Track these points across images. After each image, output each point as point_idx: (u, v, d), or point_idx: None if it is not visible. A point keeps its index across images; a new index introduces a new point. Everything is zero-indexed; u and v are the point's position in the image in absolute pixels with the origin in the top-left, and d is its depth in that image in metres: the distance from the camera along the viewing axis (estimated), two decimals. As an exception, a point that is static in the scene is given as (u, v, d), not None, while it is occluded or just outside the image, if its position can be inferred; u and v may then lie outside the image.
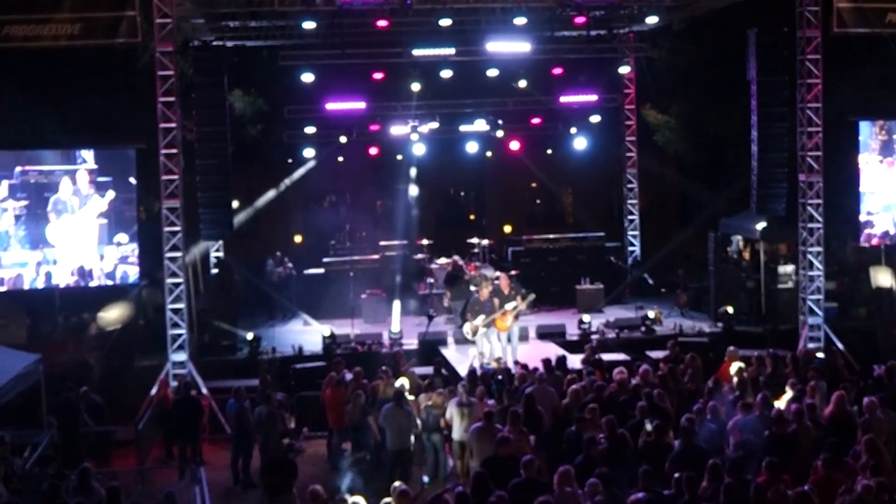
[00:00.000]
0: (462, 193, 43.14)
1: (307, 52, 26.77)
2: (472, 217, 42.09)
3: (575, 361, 21.23)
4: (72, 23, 21.30)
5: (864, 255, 27.07)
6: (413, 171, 35.10)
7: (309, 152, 33.95)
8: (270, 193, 33.63)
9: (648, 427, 14.75)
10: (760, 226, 26.59)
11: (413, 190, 35.46)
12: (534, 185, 41.78)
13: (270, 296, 29.86)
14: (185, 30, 23.89)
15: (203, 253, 28.65)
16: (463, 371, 20.61)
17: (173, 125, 22.02)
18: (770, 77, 23.49)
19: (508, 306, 22.65)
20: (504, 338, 22.85)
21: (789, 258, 27.14)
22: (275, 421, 18.20)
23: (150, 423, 20.07)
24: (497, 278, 24.56)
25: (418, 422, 17.73)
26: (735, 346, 20.40)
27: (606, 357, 21.21)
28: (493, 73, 29.96)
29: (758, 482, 12.20)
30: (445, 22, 24.61)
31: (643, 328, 25.98)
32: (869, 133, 26.15)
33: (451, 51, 27.20)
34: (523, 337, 24.39)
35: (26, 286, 24.03)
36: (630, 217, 33.06)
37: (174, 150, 22.13)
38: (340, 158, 35.62)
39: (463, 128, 34.51)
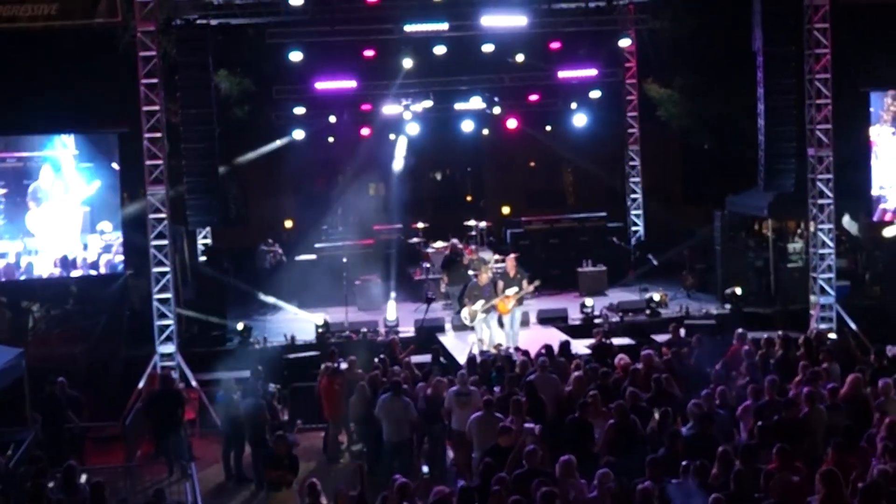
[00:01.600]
0: (458, 174, 43.03)
1: (295, 29, 26.67)
2: (469, 198, 42.02)
3: (579, 346, 21.22)
4: (49, 3, 21.20)
5: (876, 231, 27.00)
6: (401, 144, 34.95)
7: (298, 133, 33.85)
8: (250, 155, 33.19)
9: (656, 414, 14.74)
10: (768, 202, 26.48)
11: (398, 164, 35.31)
12: (532, 164, 41.71)
13: (261, 284, 29.80)
14: (167, 8, 23.68)
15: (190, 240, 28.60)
16: (462, 359, 20.57)
17: (157, 108, 21.92)
18: (777, 48, 23.38)
19: (510, 291, 22.62)
20: (507, 323, 22.84)
21: (798, 236, 27.10)
22: (262, 413, 18.16)
23: (137, 418, 20.01)
24: (499, 261, 24.54)
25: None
26: (744, 327, 20.33)
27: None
28: (488, 48, 29.80)
29: (768, 468, 12.19)
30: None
31: (648, 311, 25.97)
32: (881, 104, 26.01)
33: (445, 26, 27.04)
34: (524, 322, 24.37)
35: (5, 277, 23.95)
36: (633, 196, 33.01)
37: (158, 134, 22.04)
38: (331, 139, 35.54)
39: (458, 106, 34.41)
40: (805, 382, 16.03)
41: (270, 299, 28.41)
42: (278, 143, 33.72)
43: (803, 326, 23.56)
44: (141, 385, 21.24)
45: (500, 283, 22.82)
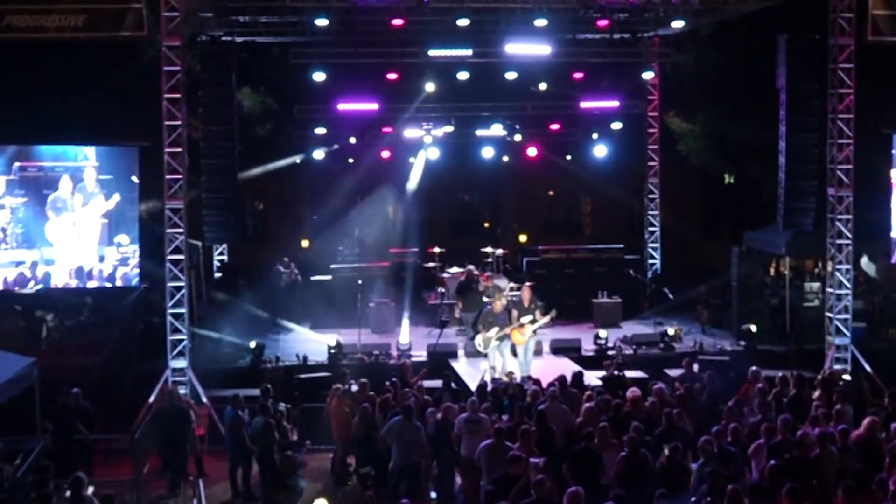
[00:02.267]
0: (476, 200, 43.08)
1: (319, 49, 26.85)
2: (486, 225, 42.05)
3: (591, 378, 21.20)
4: (76, 14, 21.31)
5: (894, 273, 26.95)
6: (419, 164, 35.01)
7: (318, 153, 33.98)
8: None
9: (666, 450, 14.71)
10: (786, 241, 26.44)
11: (412, 183, 35.36)
12: (551, 193, 41.77)
13: (274, 304, 29.84)
14: (193, 24, 23.90)
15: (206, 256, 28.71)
16: (473, 385, 20.57)
17: (179, 123, 21.96)
18: (800, 85, 23.44)
19: (525, 319, 22.63)
20: (520, 352, 22.84)
21: (816, 275, 27.04)
22: (270, 432, 18.16)
23: (146, 432, 20.02)
24: (514, 289, 24.56)
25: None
26: (757, 365, 20.27)
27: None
28: (511, 75, 29.98)
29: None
30: (463, 22, 24.61)
31: (662, 345, 25.91)
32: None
33: (469, 52, 27.22)
34: (537, 351, 24.31)
35: (19, 286, 24.08)
36: (651, 229, 33.00)
37: (179, 149, 22.06)
38: (351, 160, 35.65)
39: (479, 132, 34.53)
40: (817, 423, 15.99)
41: (279, 321, 28.49)
42: (283, 162, 33.69)
43: (818, 366, 23.49)
44: (151, 399, 21.26)
45: (515, 312, 22.83)
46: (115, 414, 21.23)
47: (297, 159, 34.32)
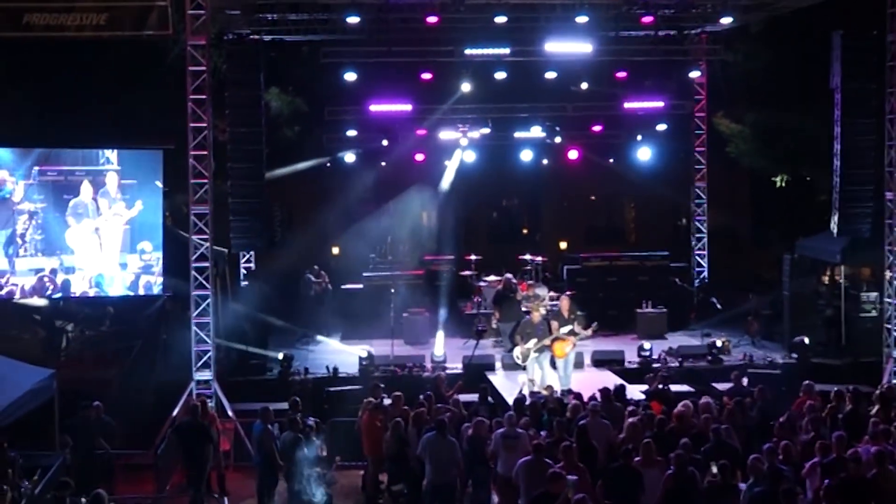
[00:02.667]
0: (515, 205, 43.01)
1: (350, 48, 26.89)
2: (525, 231, 41.97)
3: (634, 391, 21.07)
4: (98, 12, 21.38)
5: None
6: (453, 165, 34.98)
7: (350, 157, 34.02)
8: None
9: (714, 468, 14.57)
10: (842, 248, 26.19)
11: (445, 182, 35.33)
12: (593, 197, 41.64)
13: (304, 313, 29.87)
14: (220, 22, 23.98)
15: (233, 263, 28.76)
16: (511, 399, 20.47)
17: (204, 125, 22.00)
18: (856, 85, 23.26)
19: (564, 330, 22.51)
20: (560, 364, 22.72)
21: (873, 284, 26.77)
22: (299, 447, 18.10)
23: (170, 447, 20.04)
24: (556, 299, 24.45)
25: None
26: (811, 379, 20.07)
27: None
28: (551, 75, 29.90)
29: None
30: (501, 19, 24.64)
31: (709, 357, 25.74)
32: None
33: (506, 50, 27.19)
34: (578, 364, 24.19)
35: (37, 294, 24.16)
36: (698, 235, 32.80)
37: (204, 152, 22.11)
38: (383, 164, 35.65)
39: (517, 134, 34.41)
40: (875, 440, 15.79)
41: (309, 331, 28.54)
42: (310, 162, 33.67)
43: (875, 381, 23.20)
44: (175, 413, 21.29)
45: (555, 324, 22.71)
46: (137, 428, 21.26)
47: (328, 162, 34.36)
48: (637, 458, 15.04)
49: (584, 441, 16.27)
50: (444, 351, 25.81)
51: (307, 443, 18.28)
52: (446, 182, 35.39)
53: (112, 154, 24.50)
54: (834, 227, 24.11)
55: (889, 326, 23.68)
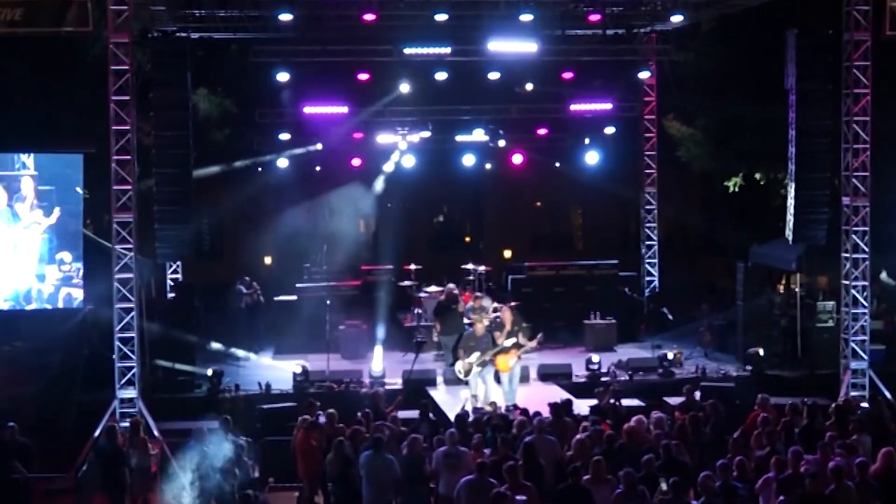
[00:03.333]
0: (457, 212, 43.08)
1: (282, 47, 26.77)
2: (467, 240, 42.05)
3: (582, 406, 21.14)
4: (12, 7, 21.20)
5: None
6: (387, 170, 35.05)
7: (282, 162, 33.92)
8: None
9: (664, 485, 14.66)
10: (797, 255, 26.45)
11: (378, 185, 35.35)
12: (538, 204, 41.84)
13: (234, 327, 29.73)
14: (144, 18, 23.79)
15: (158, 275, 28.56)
16: (453, 415, 20.47)
17: (127, 127, 21.84)
18: (812, 85, 23.47)
19: (508, 343, 22.54)
20: (504, 379, 22.74)
21: (830, 293, 27.05)
22: (231, 468, 17.98)
23: (91, 471, 19.83)
24: (496, 311, 24.51)
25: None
26: (766, 392, 20.23)
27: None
28: (494, 76, 29.93)
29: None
30: (441, 17, 24.66)
31: (660, 370, 25.88)
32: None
33: (447, 50, 27.18)
34: (523, 378, 24.24)
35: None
36: (648, 243, 32.96)
37: (128, 157, 21.95)
38: (318, 169, 35.58)
39: (459, 138, 34.53)
40: (832, 455, 15.95)
41: (239, 345, 28.43)
42: (240, 163, 33.50)
43: (832, 393, 23.46)
44: (97, 433, 21.08)
45: (498, 336, 22.73)
46: (56, 450, 21.03)
47: (259, 167, 34.25)
48: (586, 477, 15.09)
49: (530, 459, 16.30)
50: (383, 365, 25.75)
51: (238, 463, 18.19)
52: (378, 185, 35.36)
53: (28, 158, 24.22)
54: (789, 233, 24.30)
55: (846, 337, 23.94)
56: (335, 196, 35.26)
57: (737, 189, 31.48)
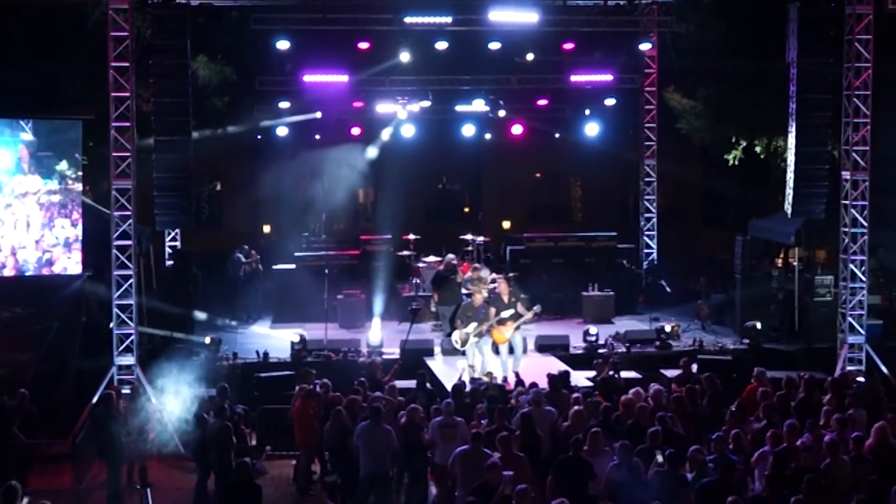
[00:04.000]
0: (456, 183, 43.07)
1: (283, 14, 26.66)
2: (466, 210, 42.04)
3: (579, 378, 21.19)
4: (11, -27, 21.15)
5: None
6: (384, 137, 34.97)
7: (282, 130, 33.88)
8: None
9: (660, 458, 14.71)
10: (796, 229, 26.42)
11: (371, 152, 35.30)
12: (538, 175, 41.82)
13: (234, 295, 29.77)
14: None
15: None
16: (450, 386, 20.50)
17: (127, 94, 21.83)
18: (813, 59, 23.35)
19: (505, 314, 22.55)
20: (503, 349, 22.74)
21: (828, 267, 27.06)
22: (227, 436, 18.00)
23: (89, 437, 19.87)
24: (494, 282, 24.53)
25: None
26: (763, 366, 20.29)
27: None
28: (494, 46, 29.76)
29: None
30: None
31: (658, 343, 25.89)
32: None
33: (448, 19, 27.07)
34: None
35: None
36: (647, 215, 32.94)
37: (127, 123, 21.94)
38: (318, 137, 35.54)
39: (459, 107, 34.49)
40: (828, 429, 16.01)
41: (238, 313, 28.48)
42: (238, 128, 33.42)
43: (829, 367, 23.54)
44: (95, 400, 21.12)
45: (493, 309, 22.72)
46: (54, 416, 21.08)
47: (258, 135, 34.20)
48: (584, 448, 15.15)
49: (528, 429, 16.36)
50: (381, 335, 25.78)
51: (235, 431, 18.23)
52: (371, 153, 35.29)
53: (26, 124, 24.16)
54: (788, 207, 24.25)
55: (843, 311, 23.98)
56: (334, 164, 35.17)
57: (737, 162, 31.45)
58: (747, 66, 28.01)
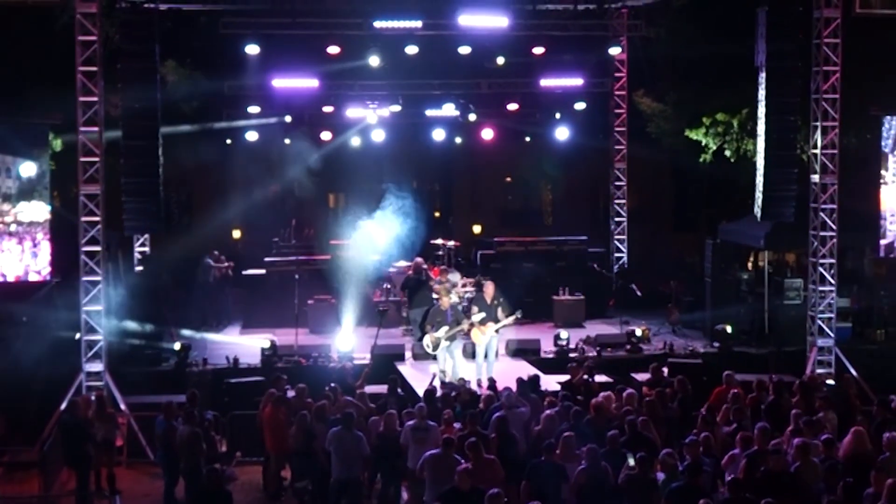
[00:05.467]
0: (426, 187, 43.01)
1: (252, 19, 26.65)
2: (436, 214, 42.00)
3: (550, 382, 21.20)
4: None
5: (883, 269, 27.10)
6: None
7: (252, 135, 33.79)
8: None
9: (631, 461, 14.72)
10: (765, 233, 26.51)
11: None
12: (508, 179, 41.86)
13: (203, 300, 29.65)
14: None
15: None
16: (421, 391, 20.48)
17: (95, 99, 21.76)
18: (781, 63, 23.37)
19: (476, 318, 22.51)
20: (479, 352, 22.70)
21: (797, 270, 27.15)
22: (197, 442, 17.93)
23: (56, 444, 19.75)
24: (465, 286, 24.50)
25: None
26: (733, 369, 20.33)
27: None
28: (465, 50, 29.79)
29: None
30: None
31: (628, 346, 25.93)
32: (893, 129, 26.10)
33: (418, 23, 27.08)
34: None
35: None
36: (617, 219, 33.03)
37: (95, 128, 21.87)
38: (287, 142, 35.47)
39: (429, 112, 34.47)
40: (798, 432, 16.04)
41: (207, 319, 28.38)
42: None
43: (799, 370, 23.60)
44: (63, 406, 20.99)
45: (474, 308, 22.70)
46: (22, 424, 20.96)
47: (227, 140, 34.11)
48: (556, 452, 15.16)
49: (503, 431, 16.40)
50: (352, 339, 25.72)
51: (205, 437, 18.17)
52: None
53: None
54: (758, 210, 24.30)
55: (813, 314, 24.09)
56: (303, 169, 35.06)
57: (706, 162, 31.57)
58: (717, 70, 28.09)
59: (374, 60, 28.94)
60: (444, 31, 27.90)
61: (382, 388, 20.57)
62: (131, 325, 25.03)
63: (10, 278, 23.43)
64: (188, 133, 30.66)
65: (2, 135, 23.71)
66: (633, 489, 14.21)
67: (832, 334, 24.08)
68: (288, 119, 33.79)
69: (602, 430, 16.51)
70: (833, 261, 24.00)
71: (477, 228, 39.69)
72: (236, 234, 37.74)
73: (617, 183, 32.94)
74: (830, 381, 21.68)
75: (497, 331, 22.84)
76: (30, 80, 24.54)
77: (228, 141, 34.53)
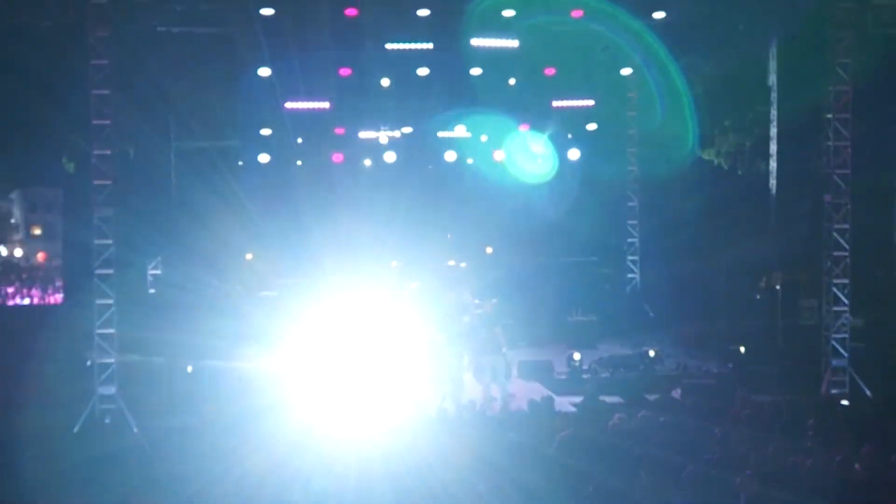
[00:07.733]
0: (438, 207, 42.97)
1: (264, 41, 26.67)
2: (449, 236, 41.94)
3: (563, 403, 21.18)
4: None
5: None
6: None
7: (264, 157, 33.83)
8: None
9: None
10: (779, 252, 26.46)
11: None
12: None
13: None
14: (124, 11, 23.66)
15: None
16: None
17: (108, 122, 21.79)
18: (793, 83, 23.43)
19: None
20: (489, 374, 22.70)
21: (811, 290, 27.11)
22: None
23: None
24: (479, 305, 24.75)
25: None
26: (747, 389, 20.30)
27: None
28: (476, 71, 29.88)
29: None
30: (423, 12, 24.58)
31: (641, 367, 25.89)
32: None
33: (430, 45, 27.13)
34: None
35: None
36: (630, 239, 32.97)
37: (108, 151, 21.92)
38: (299, 162, 35.48)
39: (441, 133, 34.45)
40: (812, 452, 15.99)
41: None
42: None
43: (813, 390, 23.51)
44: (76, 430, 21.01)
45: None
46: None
47: (240, 162, 34.15)
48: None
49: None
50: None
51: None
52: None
53: None
54: (770, 230, 24.31)
55: (827, 335, 23.98)
56: (317, 191, 35.08)
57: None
58: (729, 90, 28.09)
59: (385, 82, 28.99)
60: (456, 53, 27.90)
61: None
62: (143, 347, 25.03)
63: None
64: (200, 153, 30.71)
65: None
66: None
67: (846, 354, 23.96)
68: (300, 141, 33.81)
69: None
70: (846, 280, 23.91)
71: (489, 249, 39.61)
72: (248, 256, 37.69)
73: (629, 204, 32.90)
74: (845, 402, 21.61)
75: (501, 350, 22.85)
76: (43, 105, 24.65)
77: (240, 163, 34.50)
